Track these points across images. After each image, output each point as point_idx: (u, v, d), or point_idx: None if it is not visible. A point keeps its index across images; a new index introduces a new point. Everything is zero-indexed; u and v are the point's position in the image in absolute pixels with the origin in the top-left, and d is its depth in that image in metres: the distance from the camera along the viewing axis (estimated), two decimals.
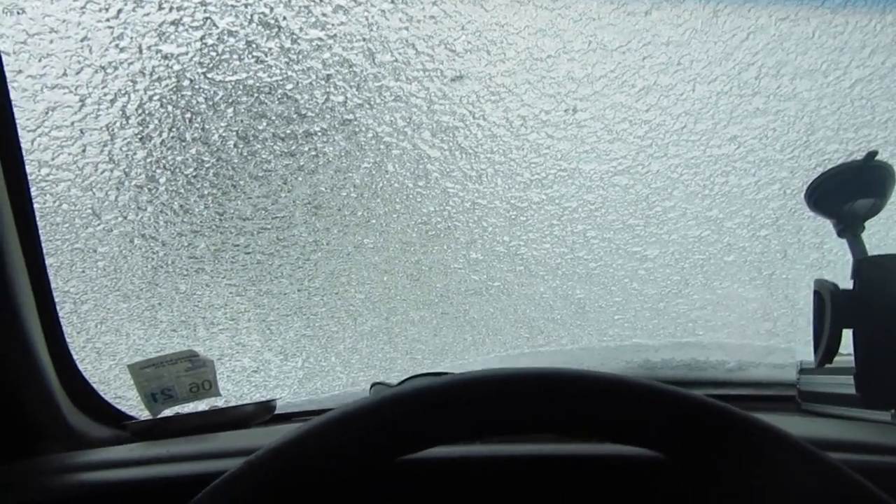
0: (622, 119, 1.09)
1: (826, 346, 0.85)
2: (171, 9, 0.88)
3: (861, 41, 1.02)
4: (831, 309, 0.82)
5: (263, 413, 0.92)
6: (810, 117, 1.11)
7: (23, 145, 0.82)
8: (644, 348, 1.06)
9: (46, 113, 0.94)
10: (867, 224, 0.87)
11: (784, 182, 1.19)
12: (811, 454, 0.40)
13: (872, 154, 0.83)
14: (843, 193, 0.86)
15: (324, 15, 0.93)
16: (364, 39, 0.95)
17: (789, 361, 0.98)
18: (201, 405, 0.94)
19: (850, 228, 0.86)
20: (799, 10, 0.98)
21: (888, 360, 0.77)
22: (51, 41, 0.87)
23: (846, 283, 0.82)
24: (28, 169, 0.84)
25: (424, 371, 0.97)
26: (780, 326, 1.33)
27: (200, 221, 1.11)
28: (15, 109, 0.81)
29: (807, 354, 0.87)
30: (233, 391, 1.22)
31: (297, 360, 1.24)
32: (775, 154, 1.16)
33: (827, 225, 0.90)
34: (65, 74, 0.91)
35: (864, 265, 0.83)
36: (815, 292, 0.86)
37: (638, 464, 0.57)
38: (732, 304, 1.33)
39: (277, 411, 0.95)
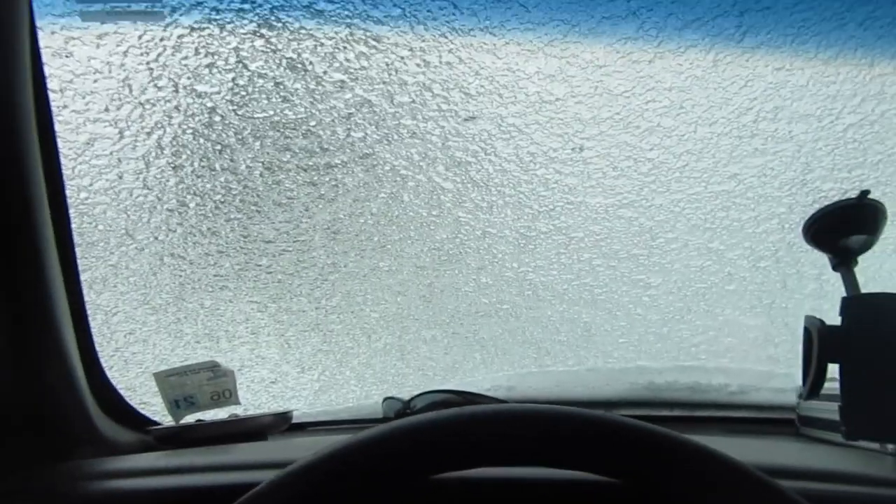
0: (627, 157, 1.13)
1: (812, 381, 0.88)
2: (206, 54, 0.94)
3: (852, 90, 1.06)
4: (818, 344, 0.86)
5: (280, 423, 0.96)
6: (806, 158, 1.15)
7: (64, 172, 0.89)
8: (648, 371, 1.09)
9: (88, 143, 1.00)
10: (861, 259, 0.91)
11: (782, 217, 1.22)
12: (763, 483, 0.44)
13: (865, 193, 0.86)
14: (837, 229, 0.89)
15: (347, 60, 0.98)
16: (384, 82, 1.01)
17: (790, 386, 1.01)
18: (221, 413, 0.98)
19: (844, 263, 0.89)
20: (794, 61, 1.02)
21: (871, 395, 0.80)
22: (95, 80, 0.94)
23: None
24: (68, 192, 0.90)
25: (435, 388, 1.01)
26: (781, 352, 1.34)
27: (226, 243, 1.16)
28: (59, 140, 0.88)
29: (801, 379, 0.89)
30: (251, 400, 1.26)
31: (313, 373, 1.28)
32: (774, 191, 1.19)
33: (824, 257, 0.92)
34: (106, 110, 0.97)
35: (851, 303, 0.85)
36: (805, 328, 0.90)
37: (603, 488, 0.58)
38: (734, 330, 1.35)
39: (293, 421, 0.99)
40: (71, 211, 0.90)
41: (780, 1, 0.95)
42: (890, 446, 0.79)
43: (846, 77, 1.05)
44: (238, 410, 0.99)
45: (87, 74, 0.93)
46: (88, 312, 0.94)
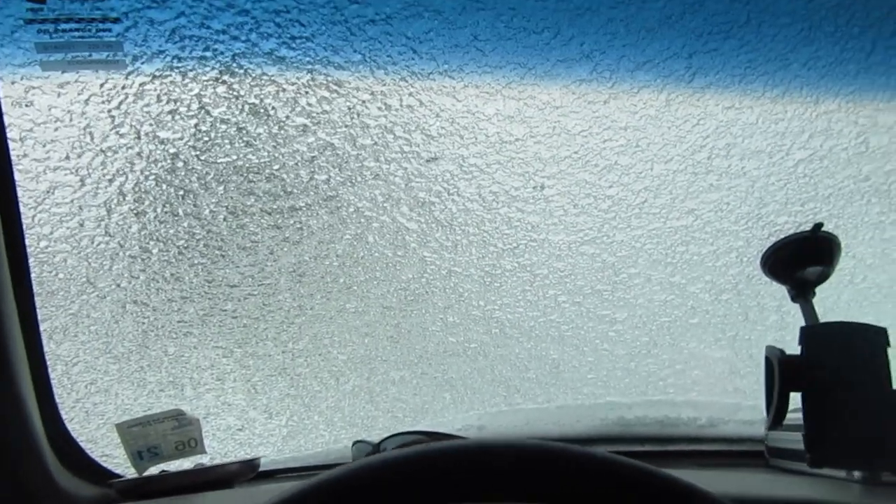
0: (587, 195, 1.16)
1: (776, 410, 0.89)
2: (168, 100, 0.95)
3: (800, 126, 1.10)
4: (779, 374, 0.87)
5: (247, 472, 0.94)
6: (760, 192, 1.18)
7: (24, 221, 0.88)
8: (618, 406, 1.10)
9: (48, 192, 1.00)
10: (818, 289, 0.93)
11: (740, 250, 1.25)
12: None
13: (819, 225, 0.89)
14: (794, 261, 0.92)
15: (309, 104, 1.00)
16: (346, 126, 1.02)
17: (757, 418, 1.00)
18: (187, 462, 0.95)
19: (801, 294, 0.92)
20: (743, 100, 1.06)
21: (834, 423, 0.82)
22: (55, 129, 0.94)
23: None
24: (27, 241, 0.90)
25: (405, 429, 1.01)
26: (747, 384, 1.36)
27: (190, 288, 1.15)
28: (18, 188, 0.88)
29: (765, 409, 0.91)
30: (218, 448, 1.24)
31: (281, 418, 1.26)
32: (730, 225, 1.23)
33: (783, 289, 0.95)
34: (67, 158, 0.97)
35: (809, 332, 0.88)
36: (766, 358, 0.91)
37: None
38: (700, 363, 1.37)
39: (261, 469, 0.97)
40: (30, 260, 0.90)
41: (726, 43, 0.99)
42: (856, 473, 0.80)
43: (794, 114, 1.09)
44: (204, 459, 0.97)
45: (47, 123, 0.93)
46: (48, 362, 0.93)
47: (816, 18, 0.97)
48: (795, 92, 1.06)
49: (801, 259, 0.93)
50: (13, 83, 0.87)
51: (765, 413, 0.95)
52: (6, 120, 0.83)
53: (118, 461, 1.01)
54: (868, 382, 0.82)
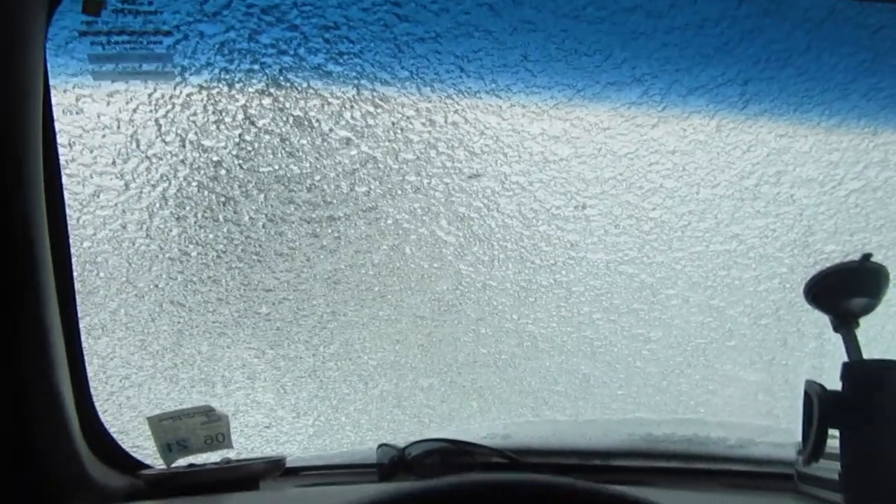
0: (629, 216, 1.14)
1: (813, 446, 0.87)
2: (214, 111, 0.95)
3: (855, 157, 1.07)
4: (818, 411, 0.85)
5: (273, 470, 0.95)
6: (808, 221, 1.16)
7: (69, 223, 0.89)
8: (646, 422, 1.09)
9: (93, 195, 1.01)
10: (863, 321, 0.91)
11: (783, 277, 1.23)
12: None
13: (867, 256, 0.87)
14: (839, 291, 0.89)
15: (353, 118, 1.00)
16: (389, 140, 1.02)
17: (789, 441, 1.00)
18: (214, 456, 0.97)
19: (845, 325, 0.89)
20: (797, 128, 1.03)
21: (872, 463, 0.80)
22: (103, 135, 0.95)
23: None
24: (71, 241, 0.91)
25: (430, 436, 1.02)
26: (781, 408, 1.34)
27: (226, 291, 1.16)
28: (65, 192, 0.89)
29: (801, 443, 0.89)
30: (245, 444, 1.25)
31: (308, 418, 1.27)
32: (775, 251, 1.20)
33: (825, 317, 0.92)
34: (113, 163, 0.98)
35: (852, 368, 0.86)
36: (805, 392, 0.90)
37: None
38: (733, 385, 1.35)
39: (287, 465, 0.98)
40: (73, 259, 0.91)
41: (783, 70, 0.97)
42: None
43: (849, 145, 1.06)
44: (231, 454, 0.98)
45: (96, 129, 0.94)
46: (85, 357, 0.94)
47: (882, 49, 0.93)
48: (853, 122, 1.03)
49: (847, 289, 0.90)
50: (65, 91, 0.88)
51: (797, 438, 0.92)
52: (57, 126, 0.84)
53: (147, 452, 1.03)
54: None
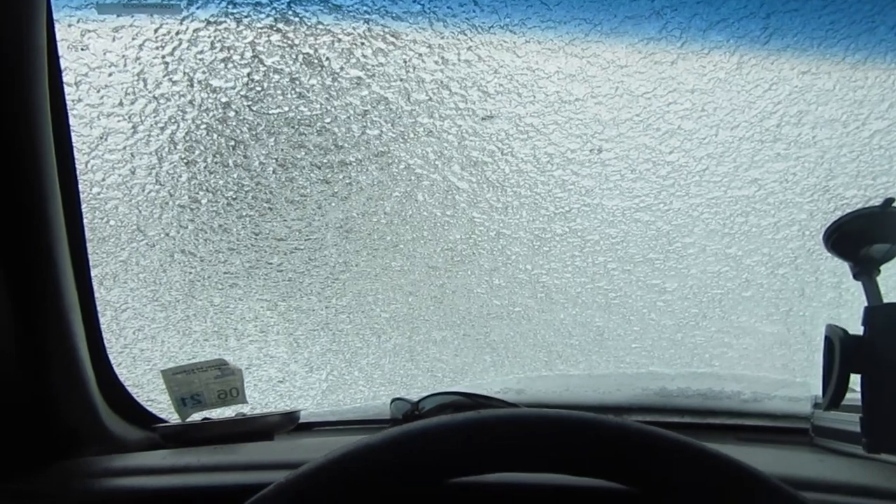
0: (646, 160, 1.12)
1: (834, 391, 0.86)
2: (222, 48, 0.93)
3: (880, 95, 1.04)
4: (840, 355, 0.83)
5: (287, 423, 0.95)
6: (830, 164, 1.13)
7: (77, 167, 0.88)
8: (660, 376, 1.08)
9: (101, 138, 0.99)
10: (883, 268, 0.89)
11: (803, 224, 1.20)
12: (784, 494, 0.42)
13: (890, 201, 0.85)
14: (860, 238, 0.88)
15: (364, 56, 0.97)
16: (401, 80, 0.99)
17: (804, 395, 0.99)
18: (228, 411, 0.97)
19: (865, 272, 0.88)
20: (821, 64, 1.00)
21: (894, 408, 0.80)
22: (109, 74, 0.93)
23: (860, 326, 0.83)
24: (80, 187, 0.90)
25: (444, 389, 1.00)
26: (797, 361, 1.33)
27: (237, 240, 1.15)
28: (72, 134, 0.87)
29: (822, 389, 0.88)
30: (259, 399, 1.25)
31: (321, 372, 1.27)
32: (795, 197, 1.17)
33: (844, 265, 0.91)
34: (120, 104, 0.96)
35: (875, 312, 0.83)
36: (826, 337, 0.88)
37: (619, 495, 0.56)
38: (749, 337, 1.33)
39: (301, 421, 0.98)
40: (83, 206, 0.90)
41: (808, 3, 0.93)
42: None
43: (874, 82, 1.03)
44: (245, 409, 0.98)
45: (102, 68, 0.93)
46: (98, 308, 0.93)
47: None
48: (879, 58, 0.99)
49: (868, 235, 0.89)
50: (70, 26, 0.86)
51: (815, 392, 0.93)
52: (62, 63, 0.82)
53: (162, 406, 1.03)
54: None
